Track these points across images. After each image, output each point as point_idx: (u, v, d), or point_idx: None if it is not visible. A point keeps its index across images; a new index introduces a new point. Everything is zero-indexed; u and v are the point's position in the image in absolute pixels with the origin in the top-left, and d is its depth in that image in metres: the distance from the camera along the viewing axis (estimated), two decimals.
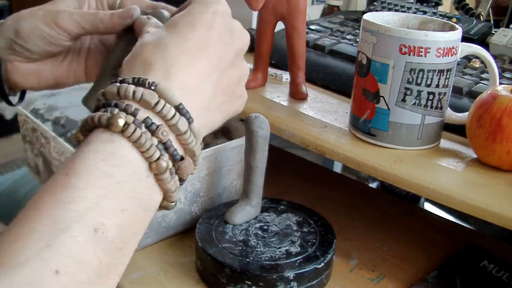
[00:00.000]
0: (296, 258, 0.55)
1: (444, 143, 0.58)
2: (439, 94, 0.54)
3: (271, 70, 0.75)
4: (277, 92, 0.71)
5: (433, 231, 0.71)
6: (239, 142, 0.65)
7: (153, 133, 0.30)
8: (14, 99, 0.52)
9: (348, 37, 0.81)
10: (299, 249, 0.57)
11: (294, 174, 0.85)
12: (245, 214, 0.61)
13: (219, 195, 0.67)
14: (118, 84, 0.32)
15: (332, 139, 0.58)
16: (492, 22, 0.82)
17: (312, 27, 0.85)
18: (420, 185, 0.51)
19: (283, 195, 0.74)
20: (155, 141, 0.30)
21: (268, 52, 0.70)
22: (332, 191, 0.80)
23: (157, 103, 0.31)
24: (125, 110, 0.31)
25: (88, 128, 0.32)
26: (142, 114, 0.31)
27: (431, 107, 0.55)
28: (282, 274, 0.53)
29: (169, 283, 0.57)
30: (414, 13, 0.83)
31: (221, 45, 0.36)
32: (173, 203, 0.34)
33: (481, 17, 0.84)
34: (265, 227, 0.61)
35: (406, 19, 0.60)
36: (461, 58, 0.58)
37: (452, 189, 0.49)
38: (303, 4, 0.66)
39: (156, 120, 0.31)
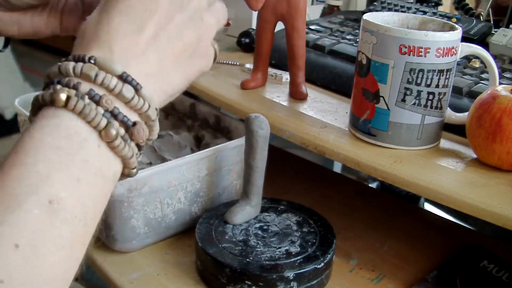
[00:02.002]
0: (296, 258, 0.55)
1: (444, 143, 0.58)
2: (439, 94, 0.54)
3: (271, 70, 0.75)
4: (277, 92, 0.71)
5: (433, 231, 0.71)
6: (239, 142, 0.65)
7: (97, 103, 0.31)
8: None
9: (348, 37, 0.81)
10: (299, 249, 0.57)
11: (294, 174, 0.85)
12: (245, 214, 0.61)
13: (219, 195, 0.67)
14: (59, 63, 0.32)
15: (332, 139, 0.58)
16: (492, 22, 0.82)
17: (312, 27, 0.85)
18: (420, 185, 0.51)
19: (283, 195, 0.74)
20: (101, 110, 0.31)
21: (268, 52, 0.70)
22: (332, 191, 0.80)
23: (97, 75, 0.31)
24: (67, 85, 0.31)
25: (36, 109, 0.32)
26: (85, 87, 0.31)
27: (431, 107, 0.54)
28: (282, 274, 0.53)
29: (169, 283, 0.57)
30: (414, 13, 0.83)
31: (172, 8, 0.36)
32: (134, 170, 0.34)
33: (481, 17, 0.84)
34: (265, 227, 0.61)
35: (406, 19, 0.60)
36: (461, 58, 0.58)
37: (452, 189, 0.49)
38: (303, 4, 0.66)
39: (100, 91, 0.31)
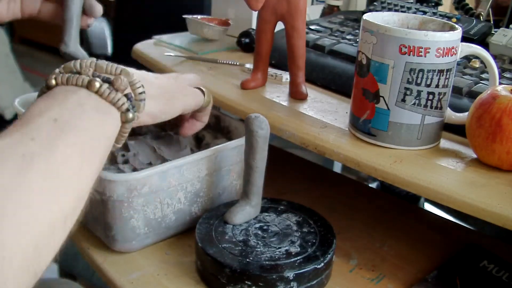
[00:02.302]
0: (296, 258, 0.55)
1: (444, 143, 0.58)
2: (439, 94, 0.54)
3: (271, 70, 0.75)
4: (277, 92, 0.71)
5: (433, 231, 0.71)
6: (239, 142, 0.65)
7: (79, 73, 0.41)
8: None
9: (348, 37, 0.81)
10: (299, 249, 0.57)
11: (294, 174, 0.85)
12: (245, 214, 0.61)
13: (219, 195, 0.67)
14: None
15: (332, 139, 0.58)
16: (492, 22, 0.82)
17: (312, 27, 0.85)
18: (420, 185, 0.51)
19: (283, 195, 0.74)
20: (83, 76, 0.41)
21: (268, 52, 0.70)
22: (332, 191, 0.80)
23: (74, 64, 0.42)
24: (55, 74, 0.42)
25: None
26: (68, 71, 0.42)
27: (431, 107, 0.54)
28: (282, 274, 0.53)
29: (169, 283, 0.57)
30: (414, 13, 0.83)
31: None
32: (130, 114, 0.42)
33: (481, 17, 0.84)
34: (265, 227, 0.61)
35: (406, 19, 0.60)
36: (461, 58, 0.58)
37: (452, 189, 0.49)
38: (303, 4, 0.66)
39: (80, 69, 0.42)
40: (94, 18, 0.61)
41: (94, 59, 0.43)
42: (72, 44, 0.55)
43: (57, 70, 0.42)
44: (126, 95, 0.42)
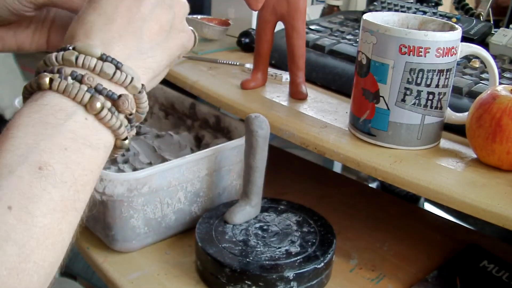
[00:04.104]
0: (296, 258, 0.55)
1: (444, 143, 0.58)
2: (439, 94, 0.54)
3: (271, 70, 0.75)
4: (277, 92, 0.71)
5: (433, 231, 0.71)
6: (239, 142, 0.65)
7: (80, 81, 0.34)
8: None
9: (348, 37, 0.81)
10: (299, 249, 0.57)
11: (294, 174, 0.85)
12: (245, 214, 0.61)
13: (219, 195, 0.67)
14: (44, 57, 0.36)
15: (332, 139, 0.58)
16: (492, 22, 0.82)
17: (312, 27, 0.85)
18: (420, 185, 0.51)
19: (283, 195, 0.74)
20: (84, 87, 0.34)
21: (268, 52, 0.70)
22: (332, 191, 0.80)
23: (77, 58, 0.34)
24: (51, 71, 0.34)
25: (27, 97, 0.35)
26: (67, 70, 0.34)
27: (431, 107, 0.54)
28: (282, 274, 0.53)
29: (169, 283, 0.57)
30: (414, 13, 0.83)
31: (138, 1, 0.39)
32: (126, 141, 0.36)
33: (481, 17, 0.84)
34: (265, 227, 0.61)
35: (406, 19, 0.60)
36: (461, 58, 0.58)
37: (452, 189, 0.49)
38: (303, 4, 0.66)
39: (82, 72, 0.34)
40: None
41: (98, 57, 0.35)
42: None
43: (53, 58, 0.35)
44: (128, 118, 0.36)
